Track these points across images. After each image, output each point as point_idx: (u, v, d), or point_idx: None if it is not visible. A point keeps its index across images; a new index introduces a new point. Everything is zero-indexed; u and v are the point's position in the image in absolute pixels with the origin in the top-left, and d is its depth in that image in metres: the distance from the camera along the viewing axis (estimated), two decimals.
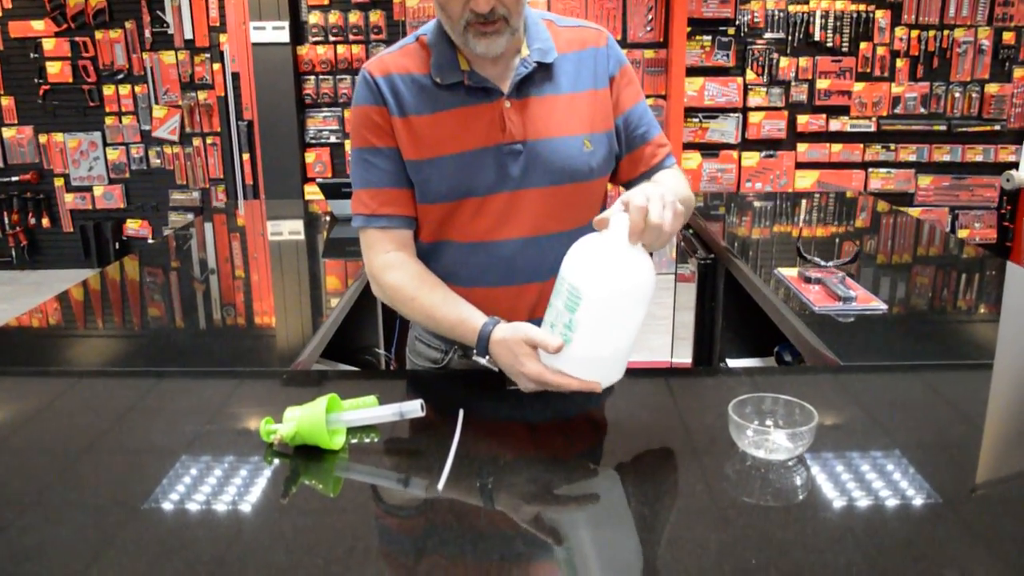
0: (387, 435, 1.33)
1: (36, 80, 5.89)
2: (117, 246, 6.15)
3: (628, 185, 1.66)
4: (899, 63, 5.58)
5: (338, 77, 5.72)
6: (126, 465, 1.26)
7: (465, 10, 1.39)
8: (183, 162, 6.03)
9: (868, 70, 5.60)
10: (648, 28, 5.64)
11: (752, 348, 2.69)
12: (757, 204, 3.32)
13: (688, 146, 5.73)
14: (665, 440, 1.32)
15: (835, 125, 5.67)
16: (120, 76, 5.89)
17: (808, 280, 2.05)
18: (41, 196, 6.11)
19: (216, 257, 2.83)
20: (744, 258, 2.42)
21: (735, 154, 5.77)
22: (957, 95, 5.63)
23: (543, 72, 1.52)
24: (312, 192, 5.68)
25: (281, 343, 1.95)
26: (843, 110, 5.66)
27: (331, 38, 5.65)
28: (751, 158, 5.77)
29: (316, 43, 5.67)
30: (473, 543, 1.04)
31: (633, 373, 1.36)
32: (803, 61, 5.59)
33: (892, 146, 5.72)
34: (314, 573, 0.98)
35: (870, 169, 5.76)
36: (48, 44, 5.82)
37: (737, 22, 5.56)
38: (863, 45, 5.56)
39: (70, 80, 5.89)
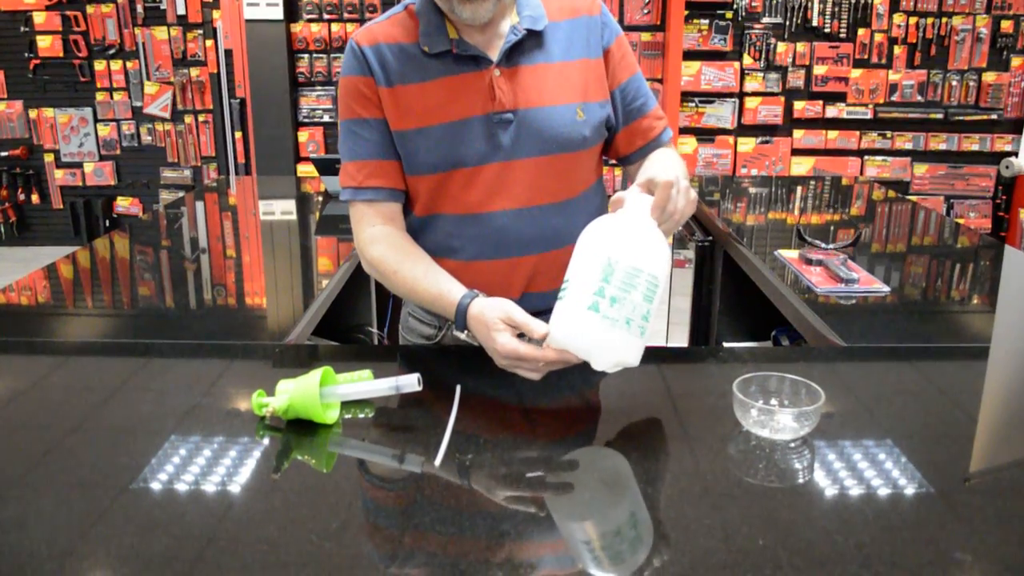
0: (381, 410, 1.30)
1: (26, 54, 5.81)
2: (107, 223, 6.09)
3: (626, 160, 1.63)
4: (897, 50, 5.55)
5: (332, 55, 5.65)
6: (116, 441, 1.22)
7: None
8: (175, 139, 5.96)
9: (866, 56, 5.57)
10: (645, 11, 5.59)
11: (749, 332, 2.67)
12: (753, 190, 3.28)
13: (684, 131, 5.69)
14: (667, 419, 1.29)
15: (832, 112, 5.64)
16: (112, 51, 5.81)
17: (810, 262, 2.02)
18: (31, 172, 6.04)
19: (207, 233, 2.79)
20: (743, 241, 2.39)
21: (731, 139, 5.74)
22: (954, 83, 5.61)
23: (534, 40, 1.49)
24: (304, 171, 5.63)
25: (272, 321, 1.92)
26: (840, 96, 5.63)
27: (325, 15, 5.59)
28: (747, 143, 5.74)
29: (310, 20, 5.60)
30: (470, 520, 1.01)
31: None
32: (800, 46, 5.56)
33: (888, 134, 5.70)
34: (307, 549, 0.95)
35: (866, 157, 5.74)
36: (39, 17, 5.73)
37: (735, 6, 5.52)
38: (861, 31, 5.53)
39: (61, 55, 5.81)
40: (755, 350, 1.90)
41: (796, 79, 5.61)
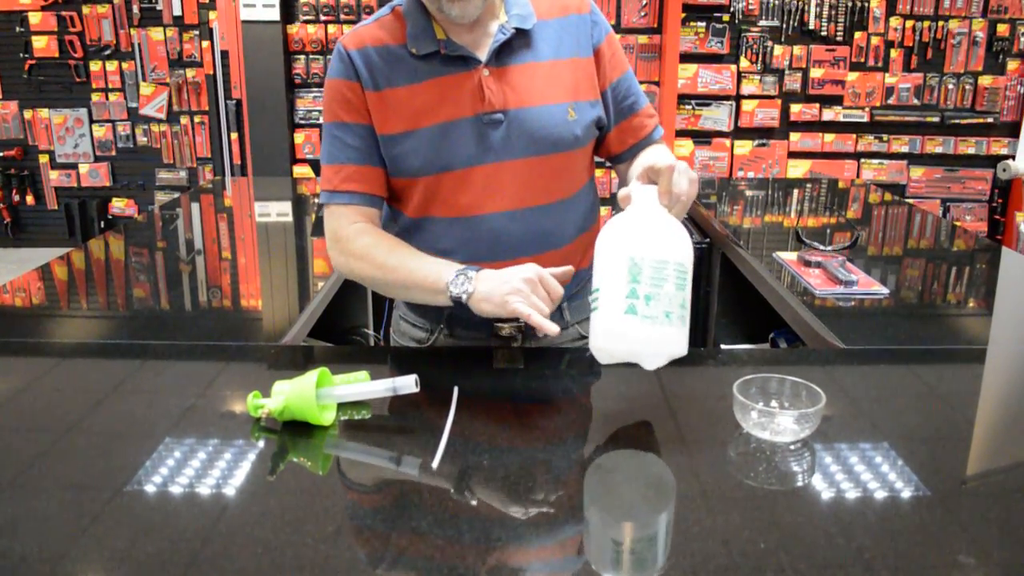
0: (377, 412, 1.29)
1: (21, 54, 5.78)
2: (102, 225, 6.06)
3: (618, 159, 1.63)
4: (893, 53, 5.56)
5: (328, 57, 5.59)
6: (110, 443, 1.21)
7: None
8: (170, 141, 5.94)
9: (862, 60, 5.57)
10: (642, 13, 5.58)
11: (747, 335, 2.66)
12: (750, 192, 3.28)
13: (680, 133, 5.68)
14: (667, 421, 1.28)
15: (828, 115, 5.64)
16: (107, 52, 5.78)
17: (808, 264, 2.02)
18: (25, 173, 6.01)
19: (203, 235, 2.77)
20: (741, 243, 2.39)
21: (727, 142, 5.73)
22: (951, 87, 5.61)
23: (523, 39, 1.47)
24: (300, 172, 5.61)
25: (268, 322, 1.90)
26: (836, 100, 5.63)
27: (322, 17, 5.57)
28: (744, 146, 5.73)
29: (307, 22, 5.58)
30: (469, 522, 1.00)
31: None
32: (797, 49, 5.56)
33: (885, 137, 5.70)
34: (302, 552, 0.94)
35: (862, 160, 5.74)
36: (34, 18, 5.70)
37: (732, 9, 5.51)
38: (858, 34, 5.53)
39: (56, 55, 5.78)
40: (754, 352, 1.90)
41: (793, 82, 5.60)
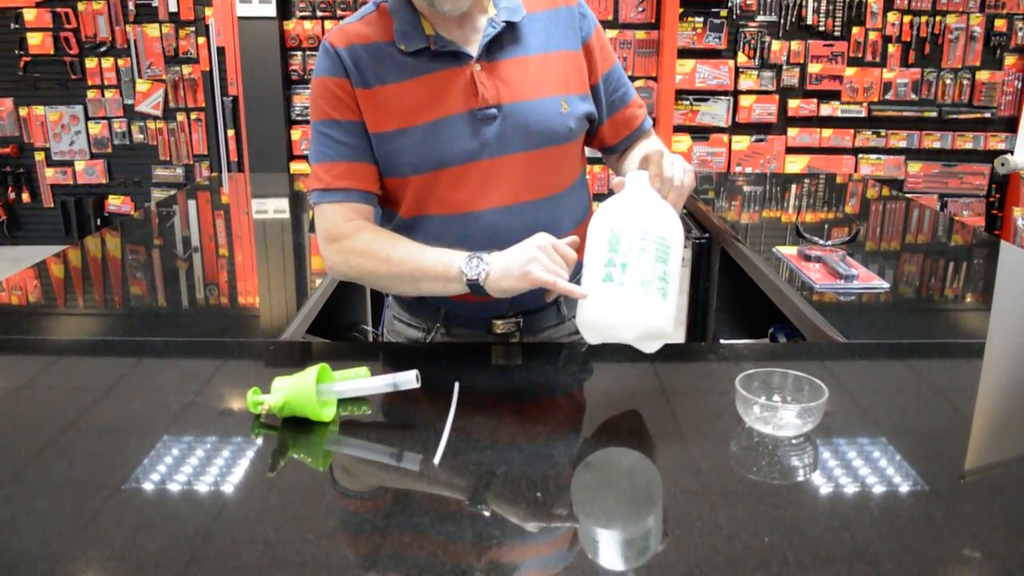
0: (377, 408, 1.28)
1: (16, 51, 5.76)
2: (99, 222, 6.04)
3: (612, 150, 1.64)
4: (891, 48, 5.55)
5: None
6: (109, 440, 1.20)
7: None
8: (167, 137, 5.92)
9: (860, 55, 5.56)
10: (640, 9, 5.57)
11: (746, 329, 2.66)
12: (747, 188, 3.27)
13: (678, 129, 5.67)
14: (669, 416, 1.28)
15: (826, 110, 5.63)
16: (103, 49, 5.76)
17: (808, 258, 2.01)
18: (21, 170, 5.99)
19: (200, 231, 2.76)
20: (740, 238, 2.38)
21: (725, 138, 5.72)
22: (948, 82, 5.60)
23: (511, 32, 1.46)
24: (297, 169, 5.60)
25: (266, 319, 1.89)
26: (834, 95, 5.62)
27: (319, 13, 5.55)
28: (741, 142, 5.73)
29: (303, 18, 5.57)
30: (471, 519, 1.00)
31: (633, 348, 1.32)
32: (795, 45, 5.55)
33: (883, 132, 5.69)
34: (304, 548, 0.93)
35: (860, 155, 5.74)
36: (29, 14, 5.68)
37: (729, 4, 5.50)
38: (855, 29, 5.52)
39: (51, 52, 5.75)
40: (755, 346, 1.89)
41: (791, 77, 5.60)
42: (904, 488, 1.06)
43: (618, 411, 1.30)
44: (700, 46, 5.56)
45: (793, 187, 3.27)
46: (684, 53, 5.55)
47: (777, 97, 5.63)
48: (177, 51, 5.76)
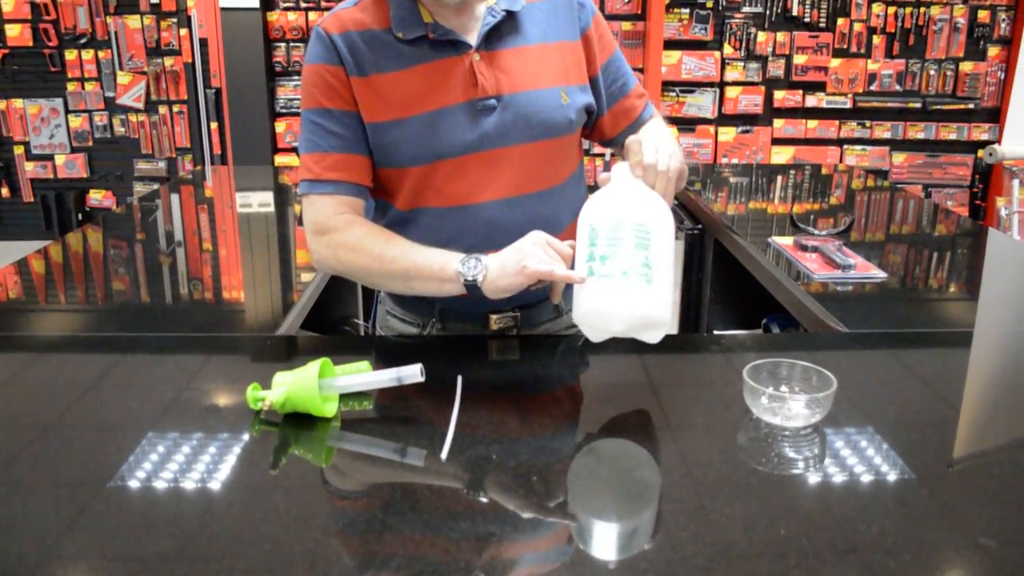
0: (379, 403, 1.26)
1: None
2: (80, 217, 5.97)
3: (612, 143, 1.62)
4: (875, 39, 5.57)
5: None
6: (99, 438, 1.18)
7: None
8: (148, 131, 5.85)
9: (845, 46, 5.57)
10: (626, 0, 5.56)
11: (740, 320, 2.65)
12: (734, 179, 3.26)
13: (665, 120, 5.66)
14: (674, 408, 1.27)
15: (811, 101, 5.65)
16: (83, 40, 5.68)
17: (805, 248, 2.01)
18: (0, 165, 5.91)
19: (183, 226, 2.72)
20: (734, 228, 2.37)
21: (711, 129, 5.73)
22: (932, 73, 5.63)
23: (510, 22, 1.44)
24: (282, 161, 5.55)
25: (256, 314, 1.86)
26: (819, 86, 5.64)
27: (303, 4, 5.50)
28: (727, 133, 5.73)
29: (287, 9, 5.52)
30: (482, 514, 0.98)
31: (635, 340, 1.30)
32: (780, 36, 5.56)
33: (867, 123, 5.71)
34: (312, 548, 0.91)
35: (845, 146, 5.76)
36: (7, 6, 5.59)
37: None
38: (840, 21, 5.53)
39: (30, 44, 5.67)
40: (756, 337, 1.88)
41: (776, 68, 5.60)
42: (922, 476, 1.05)
43: (624, 404, 1.29)
44: (686, 37, 5.56)
45: (779, 178, 3.27)
46: (670, 44, 5.55)
47: (763, 88, 5.64)
48: (159, 43, 5.69)
